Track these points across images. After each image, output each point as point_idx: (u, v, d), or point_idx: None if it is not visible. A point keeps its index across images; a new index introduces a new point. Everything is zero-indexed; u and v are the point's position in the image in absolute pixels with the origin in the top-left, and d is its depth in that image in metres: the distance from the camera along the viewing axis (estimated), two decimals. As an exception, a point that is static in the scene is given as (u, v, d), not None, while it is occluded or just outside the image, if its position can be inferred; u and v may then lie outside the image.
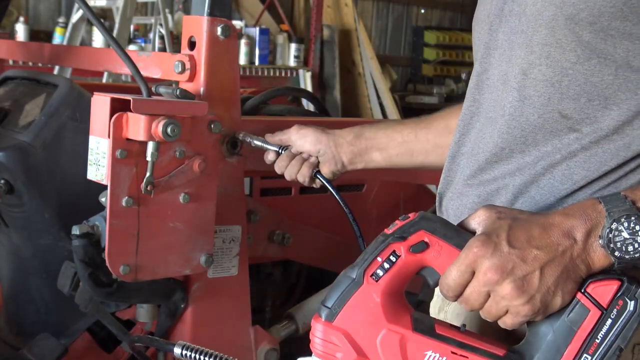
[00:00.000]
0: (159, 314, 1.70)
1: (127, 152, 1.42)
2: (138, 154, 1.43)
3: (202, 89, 1.56)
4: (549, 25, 1.03)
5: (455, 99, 7.74)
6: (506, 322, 0.93)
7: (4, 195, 1.67)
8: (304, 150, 1.54)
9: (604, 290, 0.91)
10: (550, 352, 0.92)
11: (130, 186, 1.44)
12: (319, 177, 1.52)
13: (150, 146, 1.42)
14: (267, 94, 2.01)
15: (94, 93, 1.46)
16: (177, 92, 1.50)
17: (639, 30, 0.97)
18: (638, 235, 0.89)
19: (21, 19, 5.53)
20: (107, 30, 1.45)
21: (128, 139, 1.42)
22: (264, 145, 1.58)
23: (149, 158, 1.43)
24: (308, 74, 6.62)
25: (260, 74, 6.13)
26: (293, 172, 1.53)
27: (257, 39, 6.34)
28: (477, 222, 0.97)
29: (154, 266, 1.52)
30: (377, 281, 0.94)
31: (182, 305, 1.65)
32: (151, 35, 5.51)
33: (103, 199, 1.49)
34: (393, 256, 0.94)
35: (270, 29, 6.63)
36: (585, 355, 0.91)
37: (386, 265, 0.94)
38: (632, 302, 0.90)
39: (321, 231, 2.01)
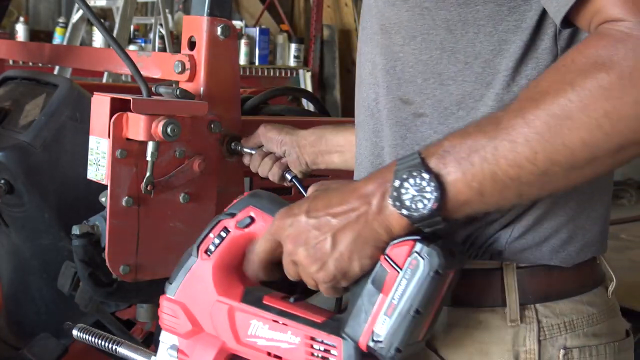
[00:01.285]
0: (159, 314, 1.70)
1: (127, 152, 1.42)
2: (138, 154, 1.43)
3: (202, 89, 1.56)
4: (372, 13, 1.03)
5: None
6: (324, 290, 0.93)
7: (4, 195, 1.67)
8: (272, 151, 1.57)
9: (400, 251, 0.89)
10: (359, 315, 0.91)
11: (130, 186, 1.44)
12: (287, 175, 1.55)
13: (150, 146, 1.42)
14: (267, 94, 2.01)
15: (94, 93, 1.46)
16: (177, 92, 1.50)
17: None
18: (426, 192, 0.84)
19: (21, 19, 5.53)
20: (107, 30, 1.45)
21: (128, 139, 1.42)
22: (251, 151, 1.60)
23: (149, 158, 1.43)
24: (308, 74, 6.63)
25: (260, 74, 6.14)
26: (265, 169, 1.56)
27: (257, 39, 6.35)
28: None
29: (154, 266, 1.52)
30: (209, 256, 0.99)
31: (182, 305, 1.65)
32: (151, 35, 5.51)
33: (103, 199, 1.49)
34: (224, 232, 0.99)
35: (270, 29, 6.63)
36: (384, 316, 0.89)
37: (217, 241, 0.99)
38: (423, 261, 0.87)
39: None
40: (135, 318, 1.75)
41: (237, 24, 6.28)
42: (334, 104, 6.83)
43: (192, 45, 1.58)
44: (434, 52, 0.97)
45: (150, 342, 1.74)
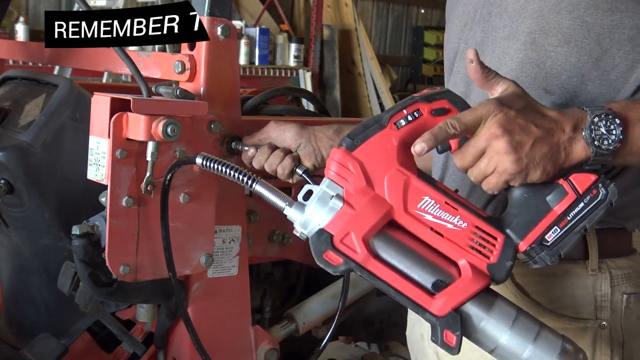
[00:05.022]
0: (159, 314, 1.70)
1: (127, 152, 1.42)
2: (138, 154, 1.44)
3: (202, 89, 1.56)
4: (533, 16, 1.21)
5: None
6: (490, 182, 1.08)
7: (4, 195, 1.67)
8: (284, 145, 1.55)
9: (583, 179, 1.08)
10: (525, 219, 1.09)
11: (130, 186, 1.44)
12: (298, 170, 1.52)
13: (150, 146, 1.42)
14: (267, 94, 2.01)
15: (94, 93, 1.46)
16: (177, 92, 1.50)
17: (608, 15, 1.17)
18: (612, 134, 1.07)
19: (21, 19, 5.52)
20: (107, 30, 1.45)
21: (128, 139, 1.42)
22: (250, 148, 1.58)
23: (149, 158, 1.43)
24: (308, 74, 6.63)
25: (260, 74, 6.14)
26: (275, 162, 1.53)
27: (257, 39, 6.34)
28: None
29: (154, 266, 1.52)
30: (398, 129, 1.08)
31: (182, 305, 1.65)
32: (151, 35, 5.50)
33: (103, 199, 1.49)
34: (416, 112, 1.09)
35: (270, 29, 6.63)
36: (556, 227, 1.08)
37: (409, 118, 1.09)
38: (604, 191, 1.08)
39: (321, 231, 2.00)
40: (135, 318, 1.75)
41: (237, 24, 6.28)
42: (334, 104, 6.82)
43: (192, 45, 1.58)
44: (583, 57, 1.19)
45: (150, 342, 1.74)
